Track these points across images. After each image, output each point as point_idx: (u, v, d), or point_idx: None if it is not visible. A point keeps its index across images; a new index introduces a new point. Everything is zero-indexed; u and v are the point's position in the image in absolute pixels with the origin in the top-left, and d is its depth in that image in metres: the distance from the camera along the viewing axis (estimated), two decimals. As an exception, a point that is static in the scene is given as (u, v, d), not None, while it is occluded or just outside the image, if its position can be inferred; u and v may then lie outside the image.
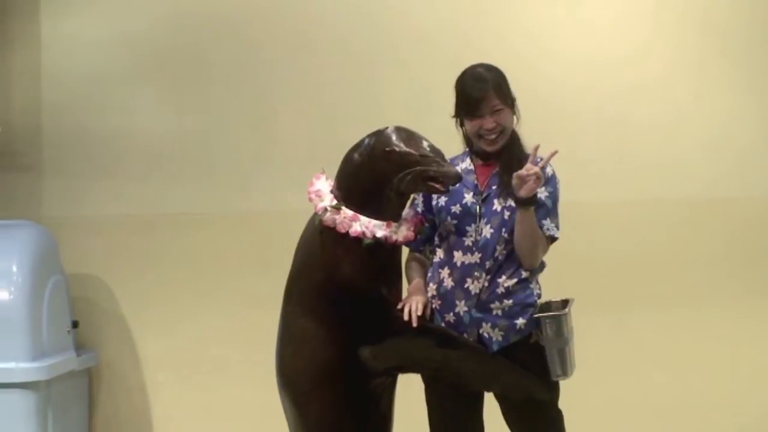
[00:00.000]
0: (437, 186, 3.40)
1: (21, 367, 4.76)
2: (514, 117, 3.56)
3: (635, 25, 5.20)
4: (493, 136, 3.51)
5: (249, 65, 5.39)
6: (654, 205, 5.18)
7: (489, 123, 3.50)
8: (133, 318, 5.49)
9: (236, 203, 5.40)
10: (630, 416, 5.11)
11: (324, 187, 3.54)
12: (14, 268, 4.86)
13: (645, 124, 5.19)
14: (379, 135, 3.52)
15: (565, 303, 3.55)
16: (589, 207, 5.10)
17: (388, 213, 3.51)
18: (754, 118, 5.15)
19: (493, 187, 3.53)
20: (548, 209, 3.50)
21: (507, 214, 3.51)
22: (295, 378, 3.58)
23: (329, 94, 5.33)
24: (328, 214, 3.48)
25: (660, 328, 5.14)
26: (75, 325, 5.24)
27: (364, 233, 3.46)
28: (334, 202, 3.51)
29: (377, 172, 3.45)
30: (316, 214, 3.53)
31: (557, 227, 3.52)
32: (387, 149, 3.46)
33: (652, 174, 5.18)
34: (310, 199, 3.56)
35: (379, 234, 3.48)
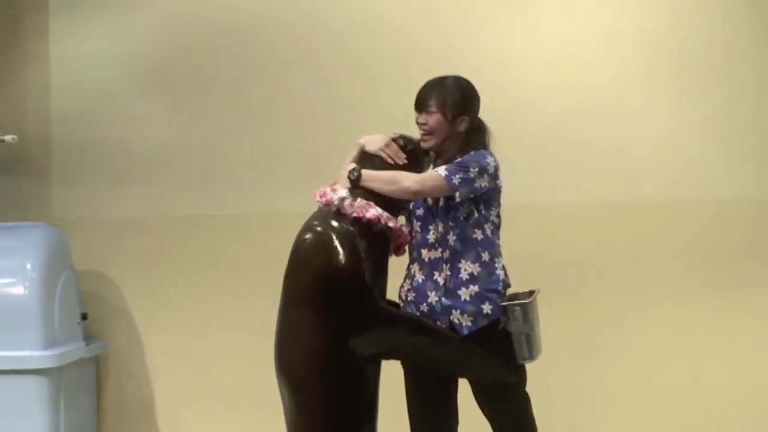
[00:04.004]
0: None
1: (35, 355, 4.83)
2: (451, 126, 3.66)
3: (589, 46, 5.32)
4: (422, 133, 3.72)
5: (241, 82, 5.48)
6: (608, 208, 5.31)
7: (420, 118, 3.70)
8: (138, 310, 5.52)
9: (230, 206, 5.48)
10: (589, 399, 5.27)
11: (338, 187, 3.68)
12: (28, 266, 4.94)
13: (599, 135, 5.30)
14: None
15: (530, 293, 3.67)
16: (550, 210, 5.30)
17: (394, 213, 3.71)
18: (699, 129, 5.30)
19: None
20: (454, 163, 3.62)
21: (442, 201, 3.67)
22: (294, 364, 3.63)
23: (311, 108, 5.43)
24: (346, 201, 3.61)
25: (614, 320, 5.27)
26: (84, 316, 5.30)
27: (379, 218, 3.60)
28: (350, 194, 3.65)
29: None
30: (329, 204, 3.63)
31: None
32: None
33: (606, 180, 5.30)
34: (324, 194, 3.67)
35: (391, 224, 3.65)
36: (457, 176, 3.57)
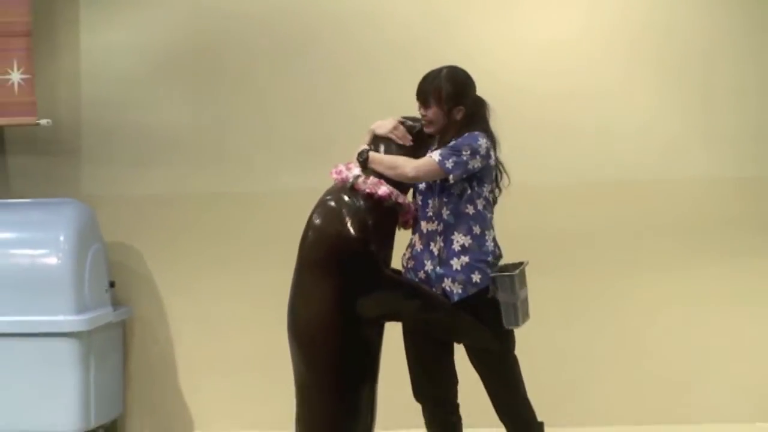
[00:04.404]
0: None
1: (67, 320, 4.99)
2: (448, 117, 3.81)
3: (577, 33, 5.48)
4: (425, 122, 3.89)
5: (253, 69, 5.62)
6: (594, 186, 5.48)
7: (421, 110, 3.89)
8: (161, 279, 5.68)
9: (243, 184, 5.62)
10: (575, 362, 5.49)
11: (352, 166, 3.87)
12: (61, 238, 5.10)
13: (584, 121, 5.46)
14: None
15: (519, 264, 3.81)
16: (543, 189, 5.44)
17: (404, 190, 3.90)
18: (678, 111, 5.45)
19: None
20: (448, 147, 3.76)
21: (439, 181, 3.82)
22: (305, 325, 3.78)
23: (317, 94, 5.57)
24: (360, 179, 3.80)
25: (598, 290, 5.47)
26: (112, 284, 5.45)
27: (389, 195, 3.79)
28: (363, 172, 3.84)
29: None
30: (345, 181, 3.81)
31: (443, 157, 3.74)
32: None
33: (592, 159, 5.45)
34: (340, 172, 3.84)
35: (400, 200, 3.84)
36: (450, 160, 3.72)
